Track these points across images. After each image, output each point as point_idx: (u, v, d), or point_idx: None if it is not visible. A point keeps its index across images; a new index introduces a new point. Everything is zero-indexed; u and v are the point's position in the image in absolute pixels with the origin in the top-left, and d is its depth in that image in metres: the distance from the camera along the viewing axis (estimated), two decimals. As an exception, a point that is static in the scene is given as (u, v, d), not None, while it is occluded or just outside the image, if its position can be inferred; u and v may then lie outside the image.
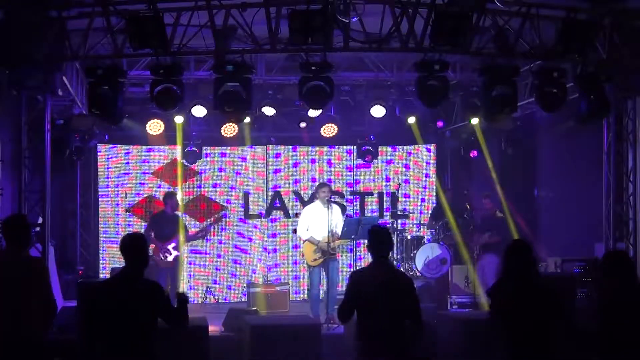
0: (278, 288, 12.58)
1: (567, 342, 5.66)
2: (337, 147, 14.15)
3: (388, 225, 13.31)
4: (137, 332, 5.46)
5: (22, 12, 8.21)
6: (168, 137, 12.93)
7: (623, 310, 5.64)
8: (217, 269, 13.91)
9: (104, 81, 9.00)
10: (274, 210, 14.12)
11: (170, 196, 11.79)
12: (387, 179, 14.37)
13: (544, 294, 5.64)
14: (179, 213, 11.93)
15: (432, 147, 14.49)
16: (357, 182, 14.30)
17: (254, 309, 11.14)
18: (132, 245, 5.64)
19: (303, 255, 11.26)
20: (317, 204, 11.10)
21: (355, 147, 14.02)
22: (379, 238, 6.45)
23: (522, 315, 5.54)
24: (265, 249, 14.06)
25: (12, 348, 5.78)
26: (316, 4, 8.23)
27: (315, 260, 10.86)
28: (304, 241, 11.03)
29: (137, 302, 5.49)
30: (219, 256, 13.95)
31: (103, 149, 13.73)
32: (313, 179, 13.97)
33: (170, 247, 11.31)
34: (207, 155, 13.87)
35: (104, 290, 5.71)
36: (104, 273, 12.80)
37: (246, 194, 14.06)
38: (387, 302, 6.07)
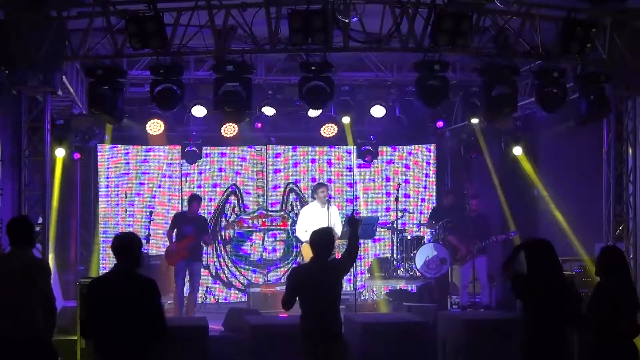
0: (278, 288, 12.57)
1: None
2: (337, 147, 14.16)
3: (388, 225, 13.34)
4: (131, 326, 5.47)
5: (22, 12, 8.20)
6: (168, 137, 12.93)
7: (615, 306, 5.90)
8: (217, 268, 13.92)
9: (104, 81, 8.99)
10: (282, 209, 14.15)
11: (191, 199, 11.93)
12: (387, 179, 14.37)
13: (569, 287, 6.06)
14: (202, 215, 12.02)
15: (432, 147, 14.49)
16: (357, 182, 14.30)
17: (254, 309, 11.15)
18: (119, 245, 5.80)
19: (302, 257, 11.28)
20: (315, 205, 11.12)
21: (355, 147, 14.02)
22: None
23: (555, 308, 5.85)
24: (265, 248, 14.07)
25: (17, 347, 5.81)
26: (316, 4, 8.23)
27: (314, 260, 10.85)
28: (303, 242, 11.05)
29: (132, 296, 5.52)
30: (219, 256, 13.95)
31: (103, 149, 13.74)
32: (313, 179, 13.98)
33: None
34: (207, 155, 13.87)
35: (99, 283, 5.84)
36: (104, 273, 12.77)
37: (246, 194, 14.07)
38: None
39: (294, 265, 13.44)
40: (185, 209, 12.35)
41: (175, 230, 11.65)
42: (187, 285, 11.69)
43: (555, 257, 6.06)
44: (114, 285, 5.63)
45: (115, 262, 5.86)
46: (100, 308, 5.50)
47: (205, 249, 13.00)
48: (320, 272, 6.50)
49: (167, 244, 11.84)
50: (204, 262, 13.81)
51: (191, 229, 11.50)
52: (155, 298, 5.59)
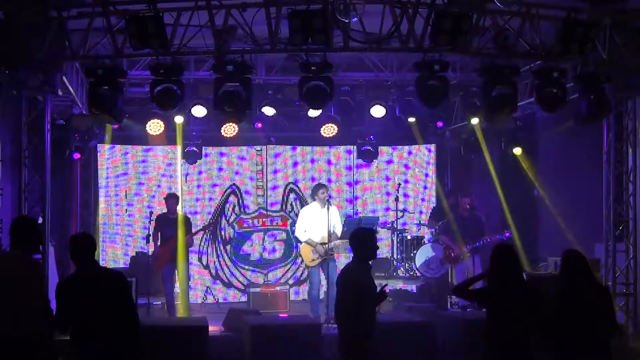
0: (278, 288, 12.59)
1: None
2: (336, 147, 14.15)
3: (388, 225, 13.34)
4: (110, 320, 5.57)
5: (22, 12, 8.20)
6: (168, 137, 12.93)
7: (576, 306, 5.97)
8: (217, 268, 13.92)
9: (104, 81, 8.99)
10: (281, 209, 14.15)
11: (167, 197, 11.84)
12: (387, 178, 14.37)
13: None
14: (181, 213, 11.95)
15: (432, 147, 14.48)
16: (357, 182, 14.30)
17: (254, 309, 11.15)
18: (78, 247, 5.89)
19: (301, 257, 11.28)
20: (315, 205, 11.11)
21: (355, 147, 14.02)
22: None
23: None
24: (265, 248, 14.07)
25: (17, 347, 5.82)
26: (316, 4, 8.23)
27: (313, 260, 10.88)
28: (302, 242, 11.05)
29: (104, 290, 5.66)
30: (219, 256, 13.95)
31: (103, 149, 13.74)
32: (313, 179, 13.98)
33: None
34: (207, 155, 13.87)
35: (71, 284, 5.89)
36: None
37: (246, 194, 14.07)
38: None
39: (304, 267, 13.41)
40: (192, 209, 12.26)
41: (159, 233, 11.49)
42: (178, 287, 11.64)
43: (513, 259, 6.15)
44: (86, 283, 5.71)
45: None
46: (80, 308, 5.59)
47: (200, 248, 13.04)
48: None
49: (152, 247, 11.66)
50: (204, 262, 13.85)
51: (173, 230, 11.37)
52: (125, 288, 5.83)
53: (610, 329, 6.13)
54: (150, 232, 11.53)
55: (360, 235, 6.59)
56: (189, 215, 12.59)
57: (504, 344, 5.92)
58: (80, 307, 5.68)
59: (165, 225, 11.45)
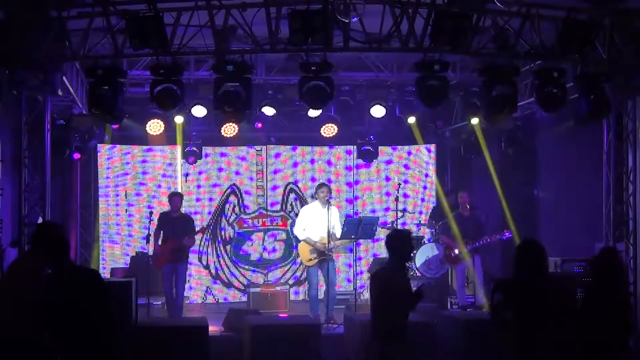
0: (278, 288, 12.59)
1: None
2: (337, 147, 14.15)
3: (388, 225, 13.34)
4: (83, 321, 5.55)
5: (22, 12, 8.20)
6: (168, 137, 12.94)
7: (605, 309, 5.92)
8: (217, 269, 13.92)
9: (104, 81, 8.98)
10: (281, 209, 14.15)
11: (171, 196, 11.82)
12: (387, 179, 14.38)
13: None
14: (185, 213, 11.95)
15: (432, 147, 14.48)
16: (357, 182, 14.30)
17: (254, 309, 11.15)
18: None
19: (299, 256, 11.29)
20: (316, 204, 11.11)
21: (355, 147, 14.02)
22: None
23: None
24: (265, 248, 14.07)
25: (13, 347, 5.82)
26: (316, 4, 8.23)
27: (310, 260, 10.88)
28: (301, 241, 11.07)
29: (76, 289, 5.61)
30: (219, 256, 13.95)
31: (103, 149, 13.74)
32: (313, 179, 13.98)
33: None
34: (207, 155, 13.88)
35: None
36: (104, 273, 12.81)
37: (246, 194, 14.08)
38: None
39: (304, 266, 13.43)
40: (192, 209, 12.25)
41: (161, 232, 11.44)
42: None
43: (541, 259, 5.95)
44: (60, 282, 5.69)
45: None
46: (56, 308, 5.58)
47: (200, 248, 13.00)
48: None
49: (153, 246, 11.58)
50: (204, 262, 13.85)
51: (174, 230, 11.31)
52: (97, 285, 5.74)
53: (627, 327, 6.15)
54: (151, 232, 11.50)
55: (398, 236, 6.66)
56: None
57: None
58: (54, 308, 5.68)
59: (167, 224, 11.40)
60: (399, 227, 12.51)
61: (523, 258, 5.90)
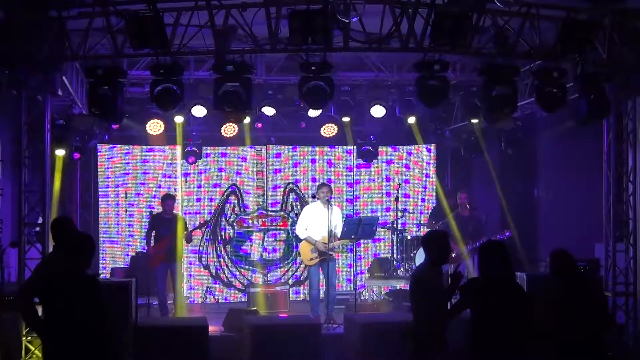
0: (278, 288, 12.59)
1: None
2: (337, 147, 14.16)
3: (388, 225, 13.34)
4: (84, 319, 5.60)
5: (22, 12, 8.20)
6: (168, 137, 12.94)
7: (572, 308, 6.10)
8: (217, 268, 13.92)
9: (104, 81, 8.99)
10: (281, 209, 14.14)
11: (164, 198, 11.85)
12: (387, 179, 14.38)
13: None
14: (178, 214, 11.94)
15: (432, 147, 14.48)
16: (357, 182, 14.30)
17: (254, 309, 11.15)
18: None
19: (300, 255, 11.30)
20: (317, 204, 11.12)
21: (355, 147, 14.02)
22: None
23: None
24: (265, 248, 14.07)
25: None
26: (316, 4, 8.23)
27: (311, 259, 10.88)
28: (302, 240, 11.07)
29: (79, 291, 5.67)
30: (219, 256, 13.96)
31: (103, 149, 13.74)
32: (313, 179, 13.98)
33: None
34: (207, 155, 13.88)
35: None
36: (104, 273, 12.82)
37: (246, 194, 14.08)
38: None
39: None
40: (192, 209, 12.26)
41: (154, 232, 11.53)
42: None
43: (504, 258, 6.07)
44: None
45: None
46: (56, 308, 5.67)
47: (200, 248, 12.97)
48: None
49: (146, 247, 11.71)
50: (204, 262, 13.85)
51: (167, 230, 11.38)
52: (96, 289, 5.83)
53: (602, 323, 6.26)
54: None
55: (435, 237, 6.64)
56: (185, 217, 12.60)
57: (489, 347, 5.96)
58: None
59: (160, 224, 11.48)
60: (437, 227, 12.45)
61: (483, 260, 6.12)
